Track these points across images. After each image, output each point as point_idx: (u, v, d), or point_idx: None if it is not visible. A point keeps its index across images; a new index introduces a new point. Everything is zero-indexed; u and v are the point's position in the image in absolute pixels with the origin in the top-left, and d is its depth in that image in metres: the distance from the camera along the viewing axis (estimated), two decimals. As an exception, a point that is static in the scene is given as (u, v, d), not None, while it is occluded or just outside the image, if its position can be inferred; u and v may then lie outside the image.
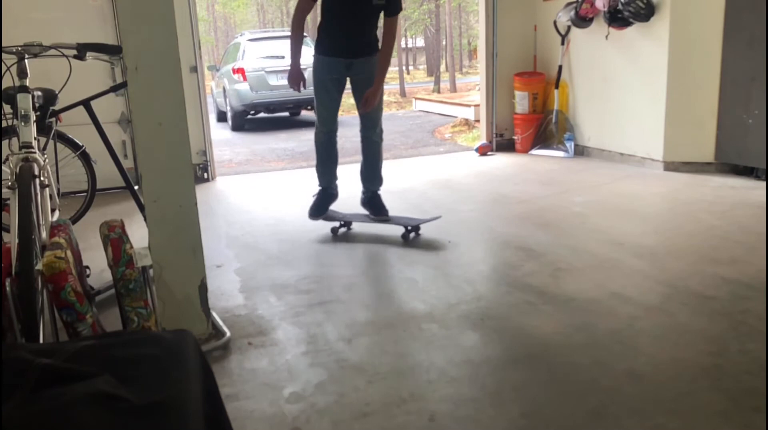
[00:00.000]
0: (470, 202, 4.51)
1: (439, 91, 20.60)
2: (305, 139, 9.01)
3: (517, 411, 1.91)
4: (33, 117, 2.55)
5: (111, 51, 2.84)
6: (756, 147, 4.58)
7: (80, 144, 3.60)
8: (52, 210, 2.88)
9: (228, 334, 2.45)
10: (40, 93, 2.80)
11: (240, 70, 10.28)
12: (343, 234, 3.79)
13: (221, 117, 11.69)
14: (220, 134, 9.75)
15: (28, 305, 1.93)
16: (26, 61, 2.56)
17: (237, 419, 1.87)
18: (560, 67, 6.13)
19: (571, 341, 2.34)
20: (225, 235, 3.95)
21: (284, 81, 10.24)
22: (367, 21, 3.50)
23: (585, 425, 1.83)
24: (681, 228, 3.69)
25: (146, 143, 2.27)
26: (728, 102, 4.77)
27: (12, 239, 2.13)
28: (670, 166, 5.12)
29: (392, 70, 30.80)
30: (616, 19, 5.23)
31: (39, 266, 1.97)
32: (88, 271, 2.81)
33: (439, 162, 6.35)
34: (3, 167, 2.58)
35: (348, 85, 3.67)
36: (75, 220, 3.57)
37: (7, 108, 2.61)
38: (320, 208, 3.74)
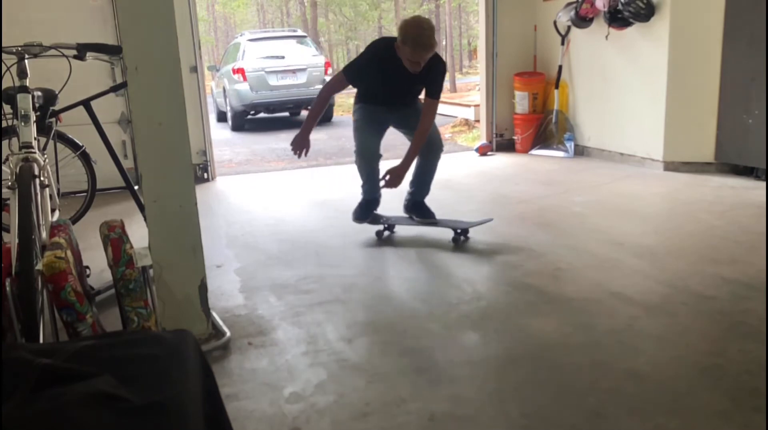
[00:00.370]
0: (470, 202, 4.51)
1: (439, 91, 20.55)
2: (305, 139, 9.00)
3: (517, 411, 1.91)
4: (33, 117, 2.55)
5: (111, 51, 2.84)
6: (756, 147, 4.58)
7: (80, 144, 3.60)
8: (52, 210, 2.88)
9: (228, 334, 2.45)
10: (40, 93, 2.80)
11: (240, 71, 10.29)
12: (387, 237, 3.71)
13: (221, 117, 11.69)
14: (220, 134, 9.75)
15: (28, 305, 1.93)
16: (26, 61, 2.56)
17: (237, 419, 1.87)
18: (560, 67, 6.13)
19: (571, 341, 2.34)
20: (225, 235, 3.95)
21: (284, 81, 10.44)
22: (410, 98, 3.57)
23: (585, 425, 1.83)
24: (681, 228, 3.69)
25: (146, 143, 2.27)
26: (728, 102, 4.77)
27: (12, 239, 2.13)
28: (670, 166, 5.12)
29: (392, 70, 30.76)
30: (616, 19, 5.23)
31: (39, 266, 1.97)
32: (88, 271, 2.81)
33: (440, 162, 6.34)
34: (3, 167, 2.58)
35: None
36: (75, 220, 3.58)
37: (7, 108, 2.61)
38: (365, 211, 3.68)
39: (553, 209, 4.17)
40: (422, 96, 3.47)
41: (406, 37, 3.19)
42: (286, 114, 11.95)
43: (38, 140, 2.65)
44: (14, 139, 2.53)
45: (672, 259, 3.15)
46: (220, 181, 5.82)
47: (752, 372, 2.05)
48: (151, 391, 0.99)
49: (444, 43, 22.71)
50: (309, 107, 12.31)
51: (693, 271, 2.96)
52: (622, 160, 5.60)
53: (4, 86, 2.56)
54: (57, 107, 3.02)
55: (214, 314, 2.57)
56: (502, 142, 6.58)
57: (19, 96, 2.50)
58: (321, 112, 3.59)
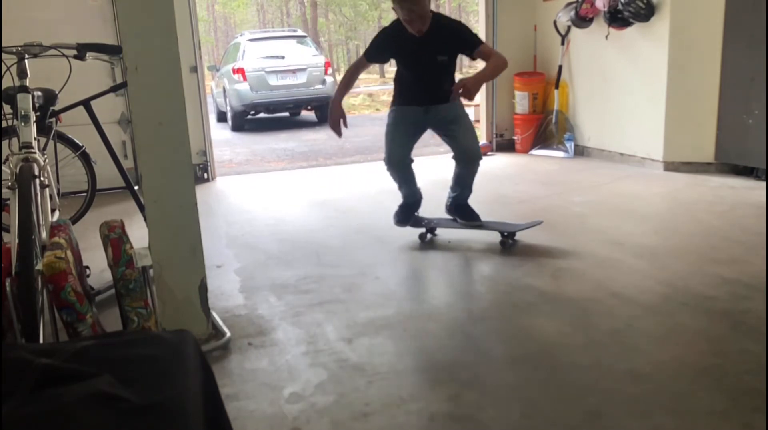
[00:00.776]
0: (470, 202, 4.50)
1: (439, 91, 20.53)
2: (305, 139, 9.02)
3: (517, 411, 1.91)
4: (33, 117, 2.55)
5: (111, 51, 2.84)
6: (756, 147, 4.58)
7: (80, 144, 3.60)
8: (52, 210, 2.88)
9: (228, 334, 2.45)
10: (40, 93, 2.79)
11: (240, 71, 10.29)
12: (429, 240, 3.64)
13: (221, 117, 11.69)
14: (220, 134, 9.75)
15: (28, 305, 1.93)
16: (26, 61, 2.56)
17: (237, 419, 1.87)
18: (560, 67, 6.13)
19: (571, 341, 2.34)
20: (225, 235, 3.95)
21: (284, 81, 10.45)
22: (440, 75, 3.37)
23: (585, 425, 1.83)
24: (681, 228, 3.69)
25: (146, 143, 2.27)
26: (728, 102, 4.77)
27: (12, 239, 2.13)
28: (670, 166, 5.12)
29: (392, 70, 30.85)
30: (616, 19, 5.23)
31: (39, 266, 1.97)
32: (88, 271, 2.81)
33: (440, 162, 6.33)
34: (3, 167, 2.58)
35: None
36: (75, 220, 3.57)
37: (7, 108, 2.61)
38: (407, 215, 3.61)
39: (553, 209, 4.17)
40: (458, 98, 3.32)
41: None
42: (286, 114, 11.96)
43: (38, 140, 2.65)
44: (14, 139, 2.53)
45: (672, 259, 3.15)
46: (220, 181, 5.82)
47: (752, 372, 2.05)
48: (151, 391, 0.99)
49: (444, 43, 22.64)
50: (309, 107, 12.24)
51: (693, 271, 2.96)
52: (622, 160, 5.60)
53: (4, 86, 2.56)
54: (57, 107, 3.02)
55: (214, 314, 2.57)
56: (502, 142, 6.58)
57: (19, 96, 2.50)
58: (349, 85, 3.55)
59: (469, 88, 3.11)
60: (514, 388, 2.04)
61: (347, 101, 15.20)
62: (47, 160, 2.76)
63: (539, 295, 2.78)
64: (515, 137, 6.51)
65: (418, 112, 3.40)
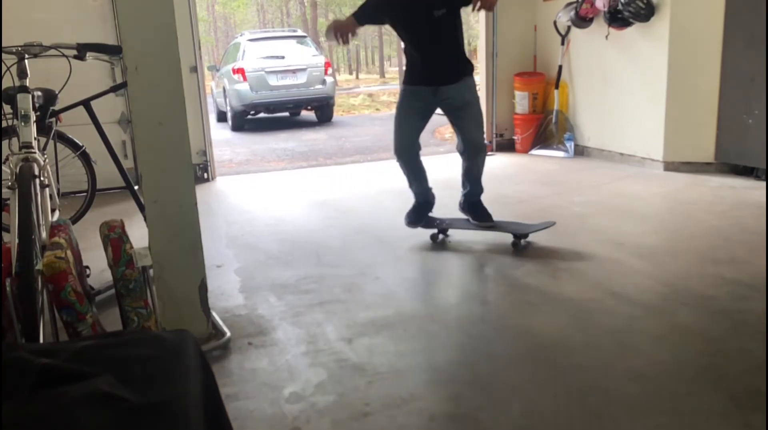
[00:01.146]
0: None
1: (439, 92, 20.52)
2: (305, 139, 9.01)
3: (517, 411, 1.91)
4: (33, 117, 2.55)
5: (111, 51, 2.84)
6: (756, 147, 4.58)
7: (80, 144, 3.60)
8: (52, 210, 2.88)
9: (228, 334, 2.45)
10: (40, 93, 2.79)
11: (240, 71, 10.29)
12: (441, 241, 3.61)
13: (221, 117, 11.69)
14: (220, 134, 9.75)
15: (28, 305, 1.93)
16: (26, 61, 2.56)
17: (237, 419, 1.87)
18: (560, 67, 6.13)
19: (571, 341, 2.34)
20: (225, 235, 3.95)
21: (284, 81, 10.44)
22: (442, 38, 3.22)
23: (585, 425, 1.83)
24: (681, 228, 3.69)
25: (146, 143, 2.27)
26: (728, 102, 4.77)
27: (12, 239, 2.13)
28: (670, 166, 5.12)
29: (392, 71, 30.84)
30: (616, 19, 5.22)
31: (39, 266, 1.97)
32: (88, 271, 2.81)
33: (440, 162, 6.33)
34: (3, 167, 2.58)
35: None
36: (75, 220, 3.57)
37: (7, 108, 2.61)
38: (419, 215, 3.57)
39: (553, 209, 4.16)
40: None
41: None
42: (286, 114, 11.96)
43: (38, 140, 2.65)
44: (14, 139, 2.53)
45: (672, 259, 3.15)
46: (220, 181, 5.81)
47: (752, 372, 2.05)
48: (151, 391, 0.99)
49: (444, 43, 22.65)
50: (309, 107, 12.21)
51: (693, 271, 2.96)
52: (622, 160, 5.60)
53: (4, 86, 2.56)
54: (57, 107, 3.02)
55: (214, 314, 2.57)
56: (502, 142, 6.57)
57: (19, 96, 2.50)
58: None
59: None
60: (514, 388, 2.04)
61: (347, 101, 15.21)
62: (47, 160, 2.76)
63: (539, 295, 2.78)
64: (515, 137, 6.51)
65: (426, 93, 3.31)
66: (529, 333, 2.43)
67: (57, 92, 2.93)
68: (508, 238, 3.48)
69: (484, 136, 3.61)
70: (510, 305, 2.70)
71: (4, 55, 2.51)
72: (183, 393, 1.02)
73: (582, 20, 5.64)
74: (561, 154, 6.13)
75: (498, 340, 2.40)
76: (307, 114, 12.02)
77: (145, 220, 2.37)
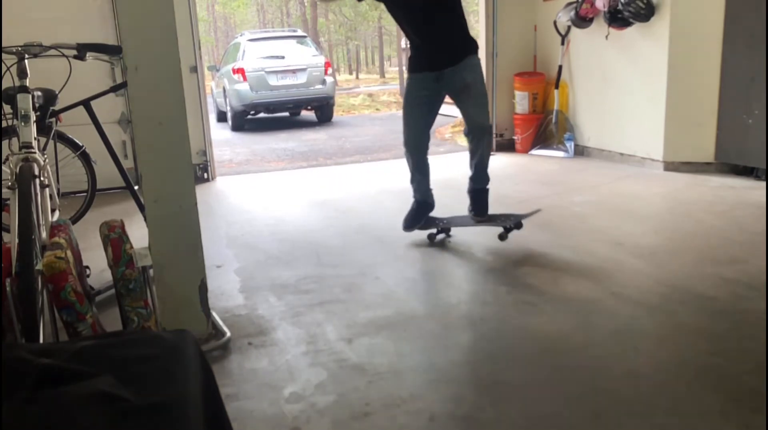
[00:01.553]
0: (470, 202, 4.51)
1: (439, 91, 20.52)
2: (305, 139, 9.01)
3: (517, 412, 1.91)
4: (33, 117, 2.55)
5: (111, 51, 2.84)
6: (756, 147, 4.58)
7: (80, 144, 3.60)
8: (52, 210, 2.88)
9: (228, 334, 2.45)
10: (40, 93, 2.80)
11: (240, 71, 10.29)
12: (441, 241, 3.61)
13: (221, 117, 11.70)
14: (220, 134, 9.75)
15: (28, 305, 1.93)
16: (26, 61, 2.56)
17: (237, 419, 1.87)
18: (560, 67, 6.13)
19: (571, 341, 2.34)
20: (225, 235, 3.95)
21: (284, 81, 10.44)
22: (436, 19, 3.19)
23: (585, 425, 1.83)
24: (681, 228, 3.69)
25: (146, 143, 2.27)
26: (728, 102, 4.77)
27: (12, 239, 2.13)
28: (670, 166, 5.12)
29: (392, 71, 30.83)
30: (616, 19, 5.23)
31: (39, 266, 1.97)
32: (88, 271, 2.81)
33: (440, 162, 6.34)
34: (3, 167, 2.58)
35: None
36: (75, 220, 3.57)
37: (7, 108, 2.61)
38: (415, 218, 3.55)
39: (553, 209, 4.16)
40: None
41: None
42: (286, 114, 11.96)
43: (38, 140, 2.65)
44: (14, 139, 2.53)
45: (672, 259, 3.15)
46: (220, 181, 5.82)
47: (752, 372, 2.05)
48: (151, 391, 0.99)
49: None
50: (309, 107, 12.23)
51: (693, 271, 2.96)
52: (622, 160, 5.60)
53: (4, 86, 2.56)
54: (57, 107, 3.02)
55: (214, 314, 2.57)
56: (502, 142, 6.57)
57: (19, 96, 2.51)
58: None
59: None
60: (514, 388, 2.04)
61: (347, 101, 15.19)
62: (47, 160, 2.76)
63: (539, 295, 2.78)
64: (515, 137, 6.51)
65: (429, 80, 3.30)
66: (529, 333, 2.43)
67: (57, 92, 2.93)
68: (509, 239, 3.48)
69: (489, 117, 3.56)
70: (510, 305, 2.70)
71: (4, 55, 2.51)
72: (183, 393, 1.02)
73: (582, 20, 5.64)
74: (561, 154, 6.13)
75: (498, 340, 2.40)
76: (307, 114, 12.02)
77: (145, 220, 2.37)
